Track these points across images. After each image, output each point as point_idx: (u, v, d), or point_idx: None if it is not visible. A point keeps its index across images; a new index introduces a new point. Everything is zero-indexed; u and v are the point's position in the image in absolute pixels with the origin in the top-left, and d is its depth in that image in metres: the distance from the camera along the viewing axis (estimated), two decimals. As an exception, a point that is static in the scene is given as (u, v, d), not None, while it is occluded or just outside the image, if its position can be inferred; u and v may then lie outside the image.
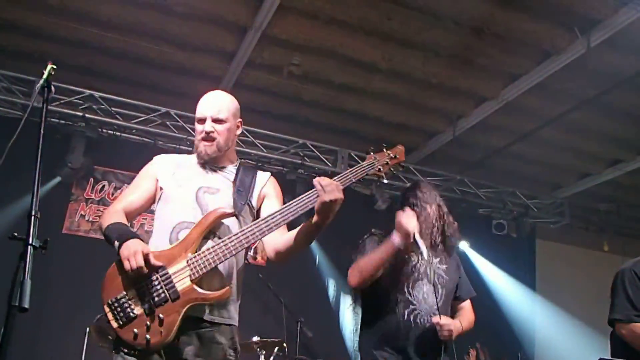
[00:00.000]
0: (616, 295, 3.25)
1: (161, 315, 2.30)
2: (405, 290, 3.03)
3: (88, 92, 6.34)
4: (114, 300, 2.34)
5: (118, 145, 6.74)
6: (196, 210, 2.51)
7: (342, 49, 5.80)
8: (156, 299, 2.32)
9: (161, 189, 2.63)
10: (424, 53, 5.80)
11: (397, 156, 2.69)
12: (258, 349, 5.26)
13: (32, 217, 1.93)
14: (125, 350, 2.33)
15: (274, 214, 2.43)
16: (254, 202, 2.66)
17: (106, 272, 2.41)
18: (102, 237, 2.51)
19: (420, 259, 3.07)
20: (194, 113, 6.11)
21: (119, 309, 2.33)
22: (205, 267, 2.35)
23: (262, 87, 6.45)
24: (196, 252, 2.38)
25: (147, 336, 2.28)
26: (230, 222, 2.51)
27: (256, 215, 2.66)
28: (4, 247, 2.15)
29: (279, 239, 2.54)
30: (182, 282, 2.33)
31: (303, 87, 6.41)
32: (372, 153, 2.67)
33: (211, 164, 2.67)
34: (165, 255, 2.37)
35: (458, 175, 7.86)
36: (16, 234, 1.89)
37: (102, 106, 6.42)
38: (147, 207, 2.70)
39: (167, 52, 5.97)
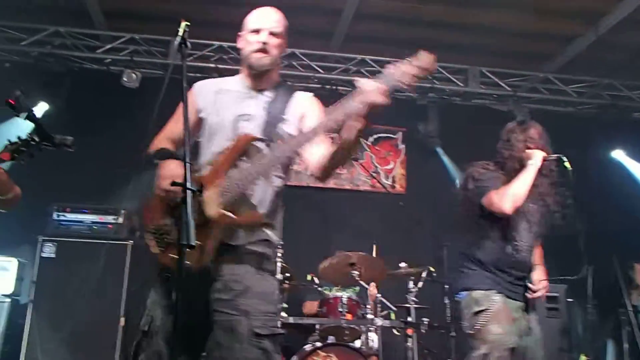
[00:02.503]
0: None
1: (197, 242, 2.33)
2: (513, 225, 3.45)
3: (217, 43, 6.82)
4: (155, 227, 2.46)
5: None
6: (233, 140, 2.55)
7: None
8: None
9: (202, 119, 2.68)
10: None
11: (422, 64, 2.30)
12: (406, 276, 5.37)
13: (187, 165, 2.14)
14: (167, 275, 2.43)
15: (307, 129, 2.47)
16: (291, 125, 2.65)
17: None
18: None
19: None
20: (319, 50, 6.40)
21: (159, 236, 2.44)
22: (234, 191, 2.41)
23: (382, 14, 6.50)
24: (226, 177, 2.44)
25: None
26: (263, 147, 2.52)
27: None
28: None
29: (324, 154, 2.52)
30: (211, 207, 2.39)
31: (423, 7, 6.40)
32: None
33: (254, 83, 2.69)
34: (196, 182, 2.32)
35: (605, 79, 7.47)
36: (175, 181, 2.15)
37: (232, 55, 6.88)
38: (192, 136, 2.68)
39: (285, -7, 6.22)
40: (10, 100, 2.57)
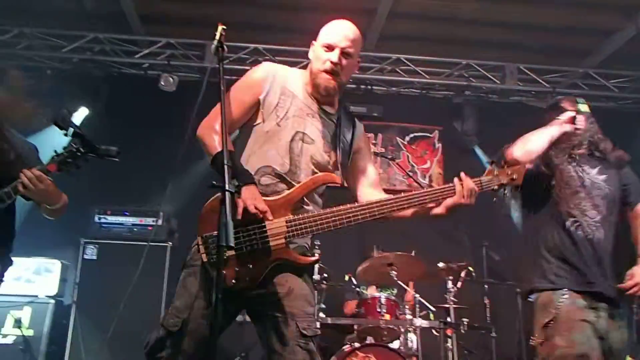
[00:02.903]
0: None
1: (250, 265, 2.36)
2: (569, 203, 3.14)
3: (252, 46, 6.88)
4: (209, 235, 2.34)
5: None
6: (285, 158, 2.51)
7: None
8: (249, 248, 2.35)
9: (260, 109, 2.57)
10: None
11: (516, 178, 2.69)
12: (445, 275, 5.31)
13: (226, 167, 2.17)
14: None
15: (394, 199, 2.54)
16: (346, 157, 2.67)
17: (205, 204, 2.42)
18: None
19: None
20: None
21: (212, 246, 2.32)
22: (302, 232, 2.41)
23: (416, 12, 6.50)
24: (296, 213, 2.43)
25: (233, 280, 2.34)
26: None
27: (348, 170, 2.71)
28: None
29: (378, 198, 2.60)
30: (276, 239, 2.38)
31: (458, 4, 6.36)
32: (491, 167, 2.73)
33: (318, 100, 2.62)
34: (270, 207, 2.35)
35: (649, 72, 7.32)
36: (215, 182, 2.15)
37: (267, 57, 6.94)
38: (243, 122, 2.61)
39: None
40: (57, 121, 2.69)
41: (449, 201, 2.54)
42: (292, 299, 2.45)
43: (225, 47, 2.42)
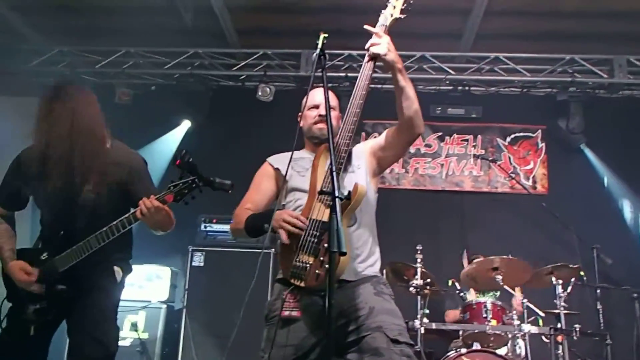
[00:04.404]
0: None
1: (326, 245, 2.48)
2: None
3: (347, 52, 7.03)
4: (292, 269, 2.61)
5: (381, 97, 7.32)
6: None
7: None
8: (315, 240, 2.57)
9: (285, 181, 2.91)
10: None
11: None
12: (553, 279, 5.15)
13: (334, 173, 2.31)
14: (321, 294, 2.57)
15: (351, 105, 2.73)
16: (373, 165, 2.99)
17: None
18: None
19: None
20: (449, 52, 6.32)
21: (297, 271, 2.59)
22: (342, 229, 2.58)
23: (514, 9, 6.40)
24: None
25: (319, 272, 2.54)
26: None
27: (378, 163, 3.00)
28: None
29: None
30: (324, 213, 2.58)
31: (559, -2, 6.22)
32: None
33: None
34: (303, 210, 2.67)
35: None
36: (324, 189, 2.33)
37: (361, 63, 6.99)
38: (270, 205, 3.00)
39: (411, -5, 6.30)
40: (177, 162, 2.97)
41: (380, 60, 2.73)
42: (375, 314, 2.60)
43: (326, 55, 2.62)
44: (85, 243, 3.07)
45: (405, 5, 2.84)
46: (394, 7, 2.83)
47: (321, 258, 2.53)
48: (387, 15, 2.83)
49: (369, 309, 2.61)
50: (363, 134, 7.26)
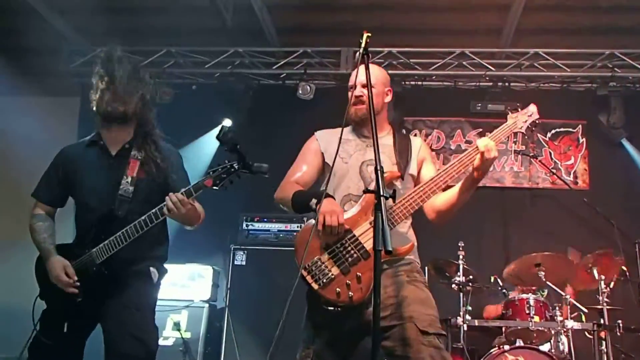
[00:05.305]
0: None
1: (359, 274, 2.65)
2: None
3: (387, 49, 7.11)
4: (310, 264, 2.68)
5: (421, 94, 7.44)
6: (360, 183, 2.93)
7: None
8: (350, 259, 2.67)
9: (327, 164, 3.04)
10: None
11: (532, 114, 3.06)
12: (595, 274, 5.20)
13: (379, 172, 2.36)
14: (330, 308, 2.68)
15: (438, 175, 2.82)
16: (413, 168, 3.04)
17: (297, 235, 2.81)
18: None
19: None
20: (488, 48, 6.32)
21: (317, 272, 2.66)
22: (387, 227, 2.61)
23: (553, 4, 6.44)
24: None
25: (350, 293, 2.63)
26: (398, 185, 2.92)
27: (417, 179, 3.05)
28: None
29: (436, 200, 2.92)
30: (369, 242, 2.65)
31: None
32: (510, 112, 3.03)
33: (366, 132, 3.04)
34: (347, 220, 2.71)
35: None
36: (369, 188, 2.38)
37: (401, 60, 7.15)
38: (315, 180, 3.11)
39: (451, -7, 6.37)
40: (220, 136, 3.01)
41: (477, 162, 2.75)
42: (407, 304, 2.69)
43: (370, 53, 2.70)
44: (122, 234, 3.11)
45: (532, 126, 3.03)
46: (524, 121, 3.04)
47: (347, 281, 2.64)
48: (514, 125, 3.00)
49: (401, 298, 2.70)
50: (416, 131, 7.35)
